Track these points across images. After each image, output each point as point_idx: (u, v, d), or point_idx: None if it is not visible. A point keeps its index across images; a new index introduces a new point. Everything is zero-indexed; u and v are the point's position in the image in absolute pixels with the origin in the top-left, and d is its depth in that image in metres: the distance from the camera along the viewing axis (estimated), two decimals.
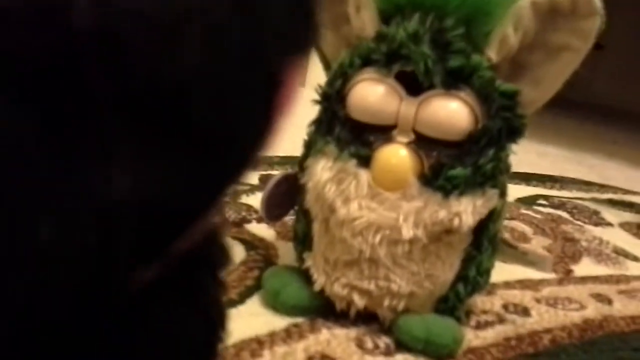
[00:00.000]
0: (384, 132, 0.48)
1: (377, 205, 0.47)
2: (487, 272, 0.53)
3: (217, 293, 0.20)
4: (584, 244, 0.79)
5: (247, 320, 0.50)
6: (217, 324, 0.21)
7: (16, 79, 0.09)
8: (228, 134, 0.11)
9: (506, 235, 0.74)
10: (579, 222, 0.88)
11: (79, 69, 0.10)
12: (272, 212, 0.57)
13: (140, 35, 0.10)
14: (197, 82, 0.10)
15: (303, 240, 0.53)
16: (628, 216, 0.95)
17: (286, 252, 0.62)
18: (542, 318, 0.57)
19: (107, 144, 0.10)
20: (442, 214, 0.46)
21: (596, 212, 0.94)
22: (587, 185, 1.12)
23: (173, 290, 0.18)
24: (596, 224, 0.89)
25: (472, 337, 0.52)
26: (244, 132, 0.11)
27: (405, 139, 0.48)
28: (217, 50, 0.10)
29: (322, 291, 0.51)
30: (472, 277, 0.51)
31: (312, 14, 0.13)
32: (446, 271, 0.50)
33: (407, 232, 0.46)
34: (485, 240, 0.51)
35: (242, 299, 0.53)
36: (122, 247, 0.10)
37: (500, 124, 0.47)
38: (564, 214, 0.91)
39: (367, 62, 0.48)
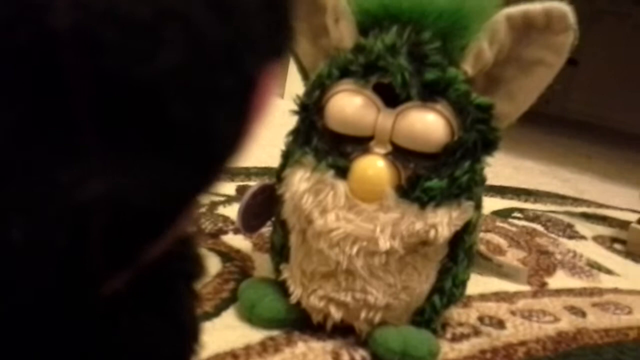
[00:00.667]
0: (361, 143, 0.48)
1: (354, 216, 0.47)
2: (462, 284, 0.53)
3: (190, 304, 0.20)
4: (558, 256, 0.80)
5: (223, 333, 0.49)
6: (190, 335, 0.20)
7: None
8: (203, 136, 0.11)
9: (482, 248, 0.75)
10: (553, 235, 0.89)
11: (54, 68, 0.09)
12: (249, 223, 0.56)
13: (117, 35, 0.10)
14: (174, 83, 0.10)
15: (280, 252, 0.53)
16: (601, 229, 0.97)
17: (262, 264, 0.62)
18: (517, 330, 0.58)
19: (81, 143, 0.10)
20: (419, 225, 0.47)
21: (570, 226, 0.96)
22: (561, 198, 1.13)
23: (145, 300, 0.18)
24: (570, 237, 0.90)
25: (448, 350, 0.52)
26: (220, 134, 0.11)
27: (382, 150, 0.48)
28: (194, 52, 0.10)
29: (298, 303, 0.51)
30: (448, 288, 0.51)
31: (288, 20, 0.13)
32: (422, 283, 0.50)
33: (384, 244, 0.46)
34: (461, 252, 0.51)
35: (217, 311, 0.52)
36: (93, 250, 0.10)
37: (476, 136, 0.47)
38: (539, 227, 0.92)
39: (345, 73, 0.49)
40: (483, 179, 0.51)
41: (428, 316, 0.51)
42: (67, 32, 0.10)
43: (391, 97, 0.47)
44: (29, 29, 0.10)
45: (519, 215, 0.97)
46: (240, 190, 0.83)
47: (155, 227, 0.11)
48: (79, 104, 0.09)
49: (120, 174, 0.10)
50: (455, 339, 0.54)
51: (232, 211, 0.72)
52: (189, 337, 0.21)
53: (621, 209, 1.12)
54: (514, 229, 0.89)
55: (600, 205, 1.13)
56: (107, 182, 0.10)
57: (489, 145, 0.48)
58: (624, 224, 0.98)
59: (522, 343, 0.56)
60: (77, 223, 0.10)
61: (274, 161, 0.54)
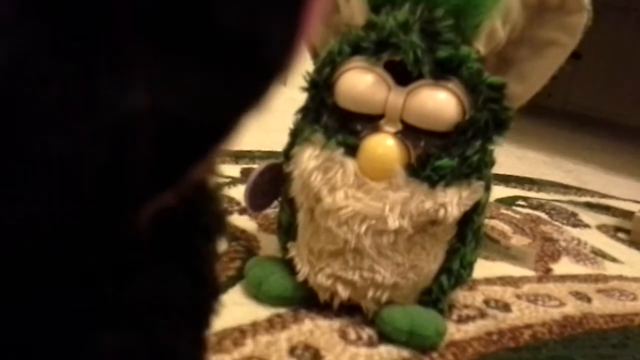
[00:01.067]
0: (371, 121, 0.48)
1: (363, 194, 0.47)
2: (470, 265, 0.53)
3: (211, 260, 0.20)
4: (562, 244, 0.80)
5: (230, 309, 0.49)
6: (211, 292, 0.20)
7: None
8: (254, 41, 0.10)
9: (489, 231, 0.75)
10: (557, 223, 0.89)
11: None
12: (256, 201, 0.56)
13: None
14: None
15: (287, 230, 0.53)
16: (605, 219, 0.97)
17: (268, 244, 0.62)
18: (522, 314, 0.58)
19: (124, 49, 0.09)
20: (428, 204, 0.46)
21: (574, 214, 0.96)
22: (564, 188, 1.13)
23: (166, 252, 0.18)
24: (574, 225, 0.90)
25: (454, 331, 0.52)
26: (271, 38, 0.10)
27: (392, 129, 0.48)
28: None
29: (305, 281, 0.50)
30: (455, 269, 0.51)
31: None
32: (430, 262, 0.49)
33: (393, 223, 0.46)
34: (469, 233, 0.51)
35: (224, 288, 0.52)
36: (135, 166, 0.10)
37: (487, 115, 0.47)
38: (543, 215, 0.92)
39: (356, 50, 0.48)
40: (493, 161, 0.51)
41: (435, 296, 0.51)
42: None
43: (402, 75, 0.47)
44: None
45: (522, 203, 0.97)
46: (245, 172, 0.82)
47: (202, 144, 0.11)
48: (121, 11, 0.09)
49: (165, 84, 0.10)
50: (461, 320, 0.54)
51: (237, 192, 0.71)
52: (210, 294, 0.20)
53: (624, 200, 1.12)
54: (518, 216, 0.89)
55: (604, 195, 1.13)
56: (152, 92, 0.09)
57: (500, 125, 0.48)
58: (627, 214, 0.98)
59: (528, 326, 0.55)
60: (119, 136, 0.09)
61: (278, 146, 0.54)
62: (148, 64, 0.09)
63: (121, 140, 0.10)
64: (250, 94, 0.11)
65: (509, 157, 1.26)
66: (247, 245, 0.61)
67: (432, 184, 0.46)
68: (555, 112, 1.97)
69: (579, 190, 1.13)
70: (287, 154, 0.52)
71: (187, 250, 0.18)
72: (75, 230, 0.11)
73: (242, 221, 0.66)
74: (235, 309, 0.49)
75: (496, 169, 0.52)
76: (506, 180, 1.08)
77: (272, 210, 0.62)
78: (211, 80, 0.10)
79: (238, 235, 0.63)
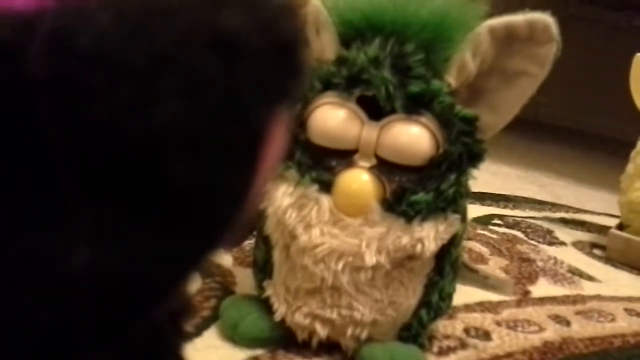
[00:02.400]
0: (345, 156, 0.48)
1: (339, 231, 0.46)
2: (449, 297, 0.52)
3: (177, 346, 0.19)
4: (539, 264, 0.80)
5: (204, 353, 0.48)
6: None
7: None
8: (205, 197, 0.09)
9: (466, 257, 0.75)
10: (533, 242, 0.89)
11: (31, 120, 0.08)
12: (230, 238, 0.55)
13: (102, 83, 0.08)
14: (171, 139, 0.09)
15: (263, 268, 0.52)
16: (580, 235, 0.97)
17: (244, 279, 0.60)
18: (503, 342, 0.57)
19: (65, 207, 0.08)
20: (405, 239, 0.46)
21: (549, 232, 0.96)
22: (539, 204, 1.14)
23: (128, 346, 0.17)
24: (550, 244, 0.90)
25: None
26: (223, 195, 0.10)
27: (367, 164, 0.47)
28: (194, 102, 0.09)
29: (282, 321, 0.49)
30: (434, 302, 0.50)
31: (301, 61, 0.11)
32: (409, 297, 0.49)
33: (370, 259, 0.46)
34: (447, 265, 0.50)
35: (198, 330, 0.51)
36: (80, 326, 0.09)
37: (461, 148, 0.47)
38: (519, 234, 0.92)
39: (327, 86, 0.48)
40: (468, 191, 0.51)
41: (415, 331, 0.50)
42: (44, 79, 0.08)
43: (375, 110, 0.47)
44: (2, 73, 0.08)
45: (498, 222, 0.97)
46: None
47: (152, 299, 0.10)
48: (59, 162, 0.08)
49: (111, 241, 0.09)
50: (442, 352, 0.54)
51: None
52: None
53: (598, 214, 1.13)
54: (494, 236, 0.89)
55: (578, 210, 1.14)
56: (95, 250, 0.09)
57: (474, 157, 0.47)
58: (602, 229, 0.99)
59: (509, 355, 0.55)
60: (62, 296, 0.09)
61: None
62: (89, 220, 0.09)
63: (64, 300, 0.09)
64: (201, 246, 0.10)
65: (483, 172, 1.26)
66: (222, 282, 0.60)
67: (409, 219, 0.46)
68: (526, 124, 1.99)
69: (553, 206, 1.14)
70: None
71: (152, 341, 0.17)
72: None
73: (217, 256, 0.65)
74: (210, 352, 0.48)
75: (471, 186, 0.52)
76: (481, 198, 1.09)
77: (248, 243, 0.61)
78: (159, 236, 0.09)
79: (212, 270, 0.62)
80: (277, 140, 0.10)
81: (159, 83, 0.09)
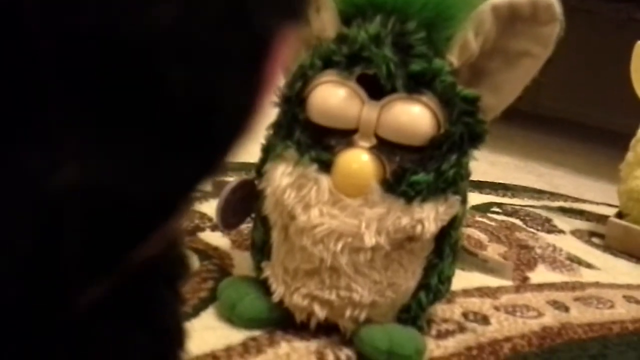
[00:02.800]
0: (345, 136, 0.47)
1: (338, 211, 0.46)
2: (448, 280, 0.52)
3: (174, 308, 0.18)
4: (538, 251, 0.80)
5: (202, 334, 0.47)
6: (174, 342, 0.19)
7: None
8: (205, 109, 0.09)
9: (465, 243, 0.74)
10: (532, 230, 0.89)
11: (17, 24, 0.07)
12: (228, 219, 0.54)
13: None
14: (168, 43, 0.08)
15: (261, 249, 0.51)
16: (579, 224, 0.97)
17: (242, 262, 0.60)
18: (501, 326, 0.57)
19: (52, 120, 0.08)
20: (405, 220, 0.45)
21: (548, 220, 0.96)
22: (538, 193, 1.14)
23: (124, 306, 0.16)
24: (549, 232, 0.90)
25: (434, 347, 0.51)
26: (225, 107, 0.09)
27: (367, 144, 0.46)
28: (196, 4, 0.08)
29: (281, 302, 0.49)
30: (434, 285, 0.50)
31: None
32: (408, 279, 0.48)
33: (370, 240, 0.45)
34: (446, 248, 0.50)
35: (196, 311, 0.50)
36: (67, 253, 0.08)
37: (462, 129, 0.46)
38: (517, 222, 0.92)
39: (328, 64, 0.47)
40: (468, 173, 0.50)
41: (414, 313, 0.50)
42: None
43: (376, 89, 0.46)
44: None
45: (497, 210, 0.97)
46: (217, 185, 0.80)
47: (145, 224, 0.09)
48: (47, 69, 0.07)
49: (101, 156, 0.08)
50: (440, 335, 0.53)
51: (209, 207, 0.69)
52: (173, 344, 0.19)
53: (597, 203, 1.13)
54: (493, 223, 0.88)
55: (577, 200, 1.13)
56: (85, 166, 0.08)
57: (475, 138, 0.47)
58: (600, 218, 0.99)
59: (508, 339, 0.55)
60: (47, 217, 0.08)
61: (252, 157, 0.52)
62: (79, 134, 0.08)
63: (49, 221, 0.08)
64: (200, 166, 0.09)
65: (482, 162, 1.25)
66: (220, 264, 0.59)
67: (409, 199, 0.46)
68: (525, 115, 1.99)
69: (552, 195, 1.14)
70: (260, 170, 0.51)
71: (148, 302, 0.17)
72: (11, 309, 0.09)
73: (215, 238, 0.64)
74: (208, 333, 0.48)
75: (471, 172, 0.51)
76: (480, 186, 1.08)
77: (246, 226, 0.60)
78: (155, 152, 0.09)
79: (210, 253, 0.61)
80: (282, 55, 0.10)
81: None
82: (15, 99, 0.07)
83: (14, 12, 0.07)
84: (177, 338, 0.18)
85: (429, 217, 0.46)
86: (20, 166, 0.08)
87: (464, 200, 0.50)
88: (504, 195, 1.07)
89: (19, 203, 0.08)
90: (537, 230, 0.90)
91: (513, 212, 0.96)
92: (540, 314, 0.61)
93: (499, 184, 1.14)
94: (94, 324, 0.14)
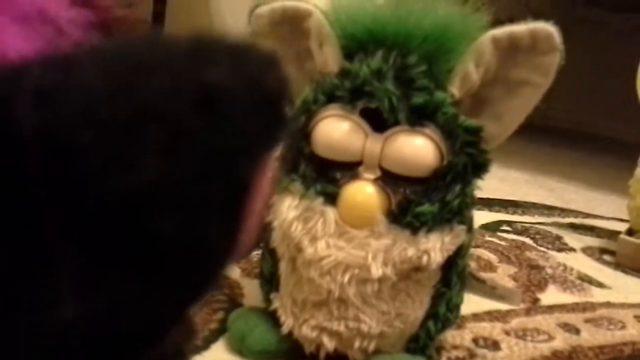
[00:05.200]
0: (349, 168, 0.48)
1: (345, 243, 0.46)
2: (457, 308, 0.52)
3: None
4: (549, 271, 0.80)
5: None
6: None
7: None
8: (191, 251, 0.09)
9: (472, 265, 0.74)
10: (542, 249, 0.89)
11: (19, 176, 0.08)
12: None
13: (89, 139, 0.09)
14: (156, 193, 0.09)
15: (270, 280, 0.52)
16: (589, 240, 0.97)
17: (252, 291, 0.61)
18: (512, 351, 0.57)
19: (53, 261, 0.08)
20: (411, 251, 0.46)
21: (559, 237, 0.95)
22: (548, 209, 1.13)
23: None
24: (559, 250, 0.90)
25: None
26: (210, 246, 0.10)
27: (371, 176, 0.47)
28: (178, 156, 0.09)
29: (290, 334, 0.49)
30: (442, 313, 0.50)
31: (284, 111, 0.11)
32: (416, 309, 0.49)
33: (377, 271, 0.46)
34: (454, 276, 0.50)
35: (206, 344, 0.51)
36: None
37: (466, 159, 0.47)
38: (528, 240, 0.92)
39: (331, 98, 0.48)
40: (474, 200, 0.50)
41: (423, 342, 0.50)
42: (32, 134, 0.08)
43: (379, 122, 0.47)
44: None
45: (507, 228, 0.97)
46: None
47: (140, 348, 0.10)
48: (46, 216, 0.08)
49: (99, 294, 0.09)
50: None
51: None
52: None
53: (608, 219, 1.12)
54: (503, 243, 0.88)
55: (588, 215, 1.13)
56: (83, 303, 0.09)
57: (479, 168, 0.47)
58: (612, 234, 0.98)
59: None
60: (52, 347, 0.09)
61: None
62: (77, 273, 0.09)
63: (53, 351, 0.09)
64: (187, 298, 0.10)
65: (491, 178, 1.26)
66: (230, 294, 0.60)
67: (414, 230, 0.46)
68: (535, 128, 1.98)
69: (562, 211, 1.13)
70: (266, 203, 0.51)
71: None
72: None
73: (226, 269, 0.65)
74: None
75: (479, 193, 0.52)
76: (489, 204, 1.08)
77: (255, 254, 0.61)
78: (145, 288, 0.09)
79: (220, 283, 0.62)
80: (263, 187, 0.10)
81: (143, 139, 0.09)
82: (20, 242, 0.08)
83: (19, 163, 0.08)
84: None
85: (435, 247, 0.46)
86: (29, 301, 0.08)
87: (469, 229, 0.50)
88: (514, 213, 1.07)
89: (27, 332, 0.08)
90: (548, 249, 0.89)
91: (523, 231, 0.96)
92: (550, 338, 0.61)
93: (509, 201, 1.14)
94: None
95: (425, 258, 0.46)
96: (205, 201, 0.10)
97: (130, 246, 0.09)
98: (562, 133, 2.08)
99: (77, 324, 0.09)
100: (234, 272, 0.65)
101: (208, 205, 0.10)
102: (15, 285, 0.08)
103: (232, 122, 0.10)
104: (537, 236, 0.94)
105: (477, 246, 0.84)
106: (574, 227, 1.03)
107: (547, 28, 0.47)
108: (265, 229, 0.51)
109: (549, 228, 1.00)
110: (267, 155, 0.11)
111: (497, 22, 0.48)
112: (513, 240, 0.91)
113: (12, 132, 0.08)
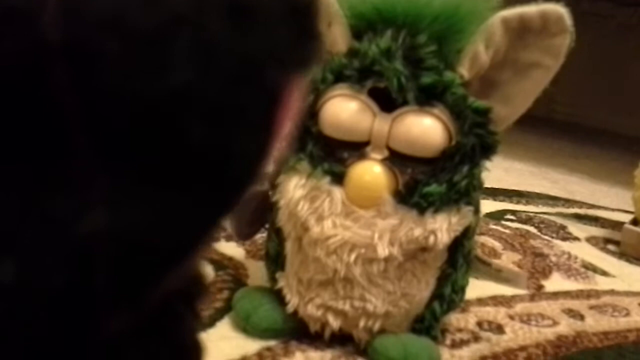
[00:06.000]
0: (357, 148, 0.48)
1: (351, 223, 0.46)
2: (462, 290, 0.52)
3: (192, 326, 0.19)
4: (553, 258, 0.80)
5: (218, 344, 0.48)
6: (192, 358, 0.19)
7: None
8: (221, 160, 0.09)
9: (479, 252, 0.74)
10: (546, 237, 0.89)
11: (45, 85, 0.08)
12: (242, 230, 0.55)
13: (117, 48, 0.08)
14: (186, 101, 0.09)
15: (275, 260, 0.52)
16: (594, 230, 0.97)
17: (256, 272, 0.61)
18: (516, 335, 0.57)
19: (81, 171, 0.08)
20: (418, 231, 0.46)
21: (563, 227, 0.95)
22: (552, 200, 1.13)
23: (146, 324, 0.17)
24: (564, 239, 0.90)
25: (448, 357, 0.52)
26: (239, 156, 0.10)
27: (379, 156, 0.47)
28: (208, 63, 0.09)
29: (295, 312, 0.50)
30: (447, 294, 0.50)
31: (315, 27, 0.11)
32: (422, 289, 0.49)
33: (383, 251, 0.46)
34: (460, 258, 0.50)
35: (212, 321, 0.51)
36: (96, 290, 0.09)
37: (474, 140, 0.47)
38: (532, 229, 0.92)
39: (339, 78, 0.48)
40: (481, 184, 0.50)
41: (428, 323, 0.50)
42: (59, 45, 0.08)
43: (387, 102, 0.47)
44: (13, 42, 0.08)
45: (511, 217, 0.97)
46: None
47: (169, 261, 0.10)
48: (74, 127, 0.08)
49: (127, 202, 0.09)
50: (455, 345, 0.54)
51: None
52: None
53: (612, 210, 1.12)
54: (507, 231, 0.88)
55: (592, 206, 1.13)
56: (111, 213, 0.09)
57: (487, 149, 0.47)
58: (616, 225, 0.98)
59: (522, 348, 0.55)
60: (79, 259, 0.09)
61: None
62: (105, 184, 0.09)
63: (79, 264, 0.09)
64: (217, 209, 0.10)
65: (496, 168, 1.25)
66: (235, 274, 0.60)
67: (421, 210, 0.46)
68: (539, 120, 1.98)
69: (567, 202, 1.13)
70: (273, 182, 0.51)
71: (168, 320, 0.17)
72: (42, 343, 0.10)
73: (229, 248, 0.65)
74: (223, 343, 0.48)
75: (484, 182, 0.52)
76: (494, 193, 1.08)
77: (260, 236, 0.61)
78: (175, 199, 0.09)
79: (225, 263, 0.62)
80: (292, 104, 0.10)
81: (173, 46, 0.09)
82: (47, 151, 0.08)
83: (46, 74, 0.08)
84: (196, 355, 0.19)
85: (442, 227, 0.46)
86: (57, 213, 0.08)
87: (476, 211, 0.50)
88: (518, 203, 1.07)
89: (53, 245, 0.08)
90: (552, 237, 0.89)
91: (527, 220, 0.96)
92: (555, 323, 0.61)
93: (513, 191, 1.14)
94: (122, 341, 0.15)
95: (431, 238, 0.46)
96: (235, 109, 0.10)
97: (159, 154, 0.09)
98: (567, 126, 2.08)
99: (105, 233, 0.09)
100: (239, 253, 0.65)
101: (237, 114, 0.10)
102: (46, 195, 0.08)
103: (261, 31, 0.10)
104: (542, 225, 0.94)
105: (482, 234, 0.84)
106: (578, 217, 1.03)
107: (558, 9, 0.46)
108: (273, 209, 0.51)
109: (553, 218, 1.00)
110: (296, 69, 0.11)
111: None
112: (517, 228, 0.91)
113: (39, 43, 0.08)
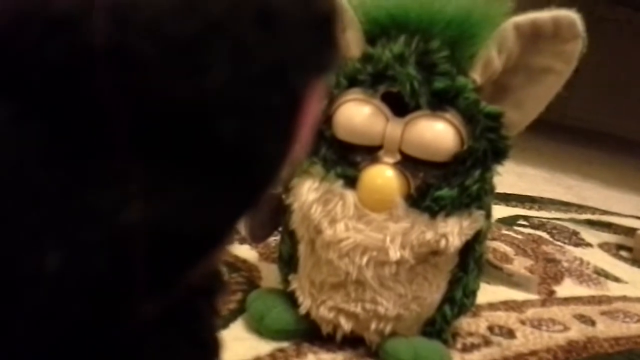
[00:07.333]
0: (370, 152, 0.48)
1: (363, 226, 0.47)
2: (473, 294, 0.53)
3: (211, 321, 0.20)
4: (565, 264, 0.80)
5: (231, 345, 0.49)
6: (211, 353, 0.20)
7: (23, 91, 0.09)
8: (250, 156, 0.10)
9: (490, 256, 0.74)
10: (559, 243, 0.89)
11: (91, 87, 0.09)
12: (256, 233, 0.56)
13: (159, 53, 0.09)
14: (219, 102, 0.10)
15: (288, 262, 0.52)
16: (606, 236, 0.96)
17: (269, 274, 0.61)
18: (527, 340, 0.57)
19: (121, 165, 0.09)
20: (429, 235, 0.46)
21: (575, 233, 0.95)
22: (565, 205, 1.13)
23: (168, 318, 0.18)
24: (576, 245, 0.89)
25: None
26: (267, 155, 0.10)
27: (391, 160, 0.48)
28: (241, 68, 0.10)
29: (307, 314, 0.50)
30: (458, 298, 0.51)
31: (335, 36, 0.12)
32: (433, 293, 0.49)
33: (394, 254, 0.46)
34: (471, 262, 0.50)
35: (225, 323, 0.52)
36: (134, 276, 0.10)
37: (486, 145, 0.47)
38: (544, 235, 0.92)
39: (353, 82, 0.48)
40: (492, 188, 0.51)
41: (439, 326, 0.50)
42: (104, 49, 0.09)
43: (400, 106, 0.47)
44: (62, 45, 0.09)
45: (524, 222, 0.97)
46: None
47: (201, 250, 0.11)
48: (116, 126, 0.09)
49: (161, 197, 0.10)
50: (465, 349, 0.54)
51: None
52: (212, 355, 0.20)
53: (625, 216, 1.12)
54: (519, 236, 0.88)
55: (605, 212, 1.12)
56: (148, 205, 0.09)
57: (499, 154, 0.48)
58: (629, 231, 0.98)
59: (533, 353, 0.55)
60: (118, 248, 0.09)
61: None
62: (143, 178, 0.09)
63: (118, 253, 0.10)
64: (243, 204, 0.11)
65: (509, 174, 1.25)
66: (248, 276, 0.61)
67: (433, 214, 0.46)
68: (553, 126, 1.97)
69: (579, 208, 1.13)
70: (286, 185, 0.52)
71: (189, 315, 0.18)
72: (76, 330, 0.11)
73: (243, 251, 0.66)
74: (237, 344, 0.49)
75: (496, 187, 0.52)
76: (506, 199, 1.08)
77: (273, 239, 0.62)
78: (206, 193, 0.10)
79: (239, 265, 0.63)
80: (313, 107, 0.11)
81: (209, 52, 0.10)
82: (91, 147, 0.09)
83: (91, 77, 0.09)
84: (215, 350, 0.20)
85: (453, 231, 0.46)
86: (99, 205, 0.09)
87: (488, 215, 0.50)
88: (530, 208, 1.07)
89: (95, 235, 0.09)
90: (564, 243, 0.89)
91: (540, 225, 0.96)
92: (566, 328, 0.61)
93: (526, 196, 1.14)
94: (146, 333, 0.16)
95: (443, 242, 0.46)
96: (262, 109, 0.10)
97: (193, 151, 0.10)
98: (580, 132, 2.07)
99: (141, 226, 0.09)
100: (252, 256, 0.65)
101: (264, 114, 0.10)
102: (88, 190, 0.09)
103: (287, 38, 0.11)
104: (554, 231, 0.94)
105: (494, 239, 0.84)
106: (590, 223, 1.03)
107: (570, 15, 0.47)
108: (286, 210, 0.51)
109: (565, 223, 1.00)
110: (318, 72, 0.12)
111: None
112: (529, 234, 0.91)
113: (86, 46, 0.09)
